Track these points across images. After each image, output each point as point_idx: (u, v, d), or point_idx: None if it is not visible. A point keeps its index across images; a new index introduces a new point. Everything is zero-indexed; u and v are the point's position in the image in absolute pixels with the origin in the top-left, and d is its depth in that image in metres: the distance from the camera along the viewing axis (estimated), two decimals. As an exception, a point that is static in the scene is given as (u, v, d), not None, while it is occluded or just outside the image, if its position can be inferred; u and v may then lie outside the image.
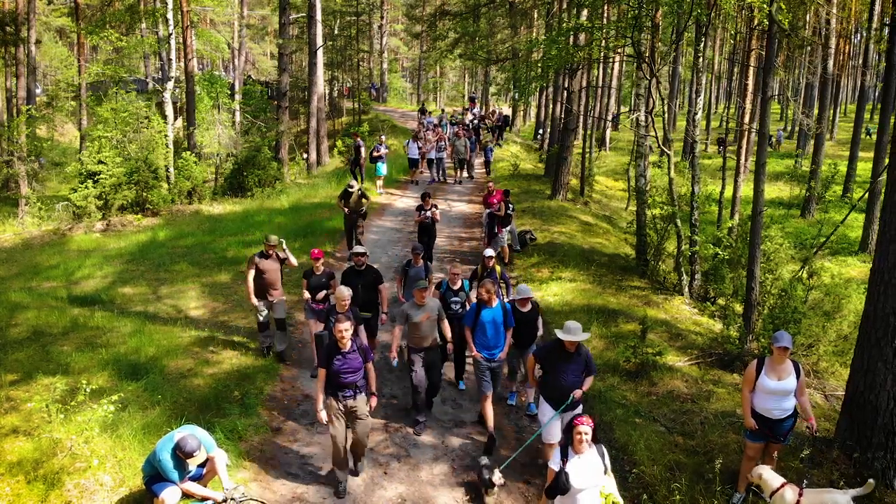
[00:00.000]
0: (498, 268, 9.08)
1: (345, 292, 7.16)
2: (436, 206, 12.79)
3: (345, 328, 6.04)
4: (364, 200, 13.22)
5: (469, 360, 8.41)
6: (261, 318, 8.88)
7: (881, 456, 6.41)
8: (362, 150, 20.47)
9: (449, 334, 7.68)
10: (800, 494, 5.53)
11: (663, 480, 6.38)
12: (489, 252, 8.95)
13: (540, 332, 7.79)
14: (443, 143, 21.81)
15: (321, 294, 8.48)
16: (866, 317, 6.66)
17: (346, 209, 13.19)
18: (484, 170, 23.35)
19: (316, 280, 8.49)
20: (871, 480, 5.56)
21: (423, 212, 12.74)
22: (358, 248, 8.51)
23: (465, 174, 22.23)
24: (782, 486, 5.61)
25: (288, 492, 6.36)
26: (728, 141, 26.34)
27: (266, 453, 6.94)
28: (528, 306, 7.62)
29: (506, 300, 8.29)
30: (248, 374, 8.36)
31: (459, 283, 8.29)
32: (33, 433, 6.56)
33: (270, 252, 8.81)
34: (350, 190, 13.16)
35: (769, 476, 5.72)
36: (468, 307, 7.99)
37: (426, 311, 7.34)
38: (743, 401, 6.07)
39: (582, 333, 6.20)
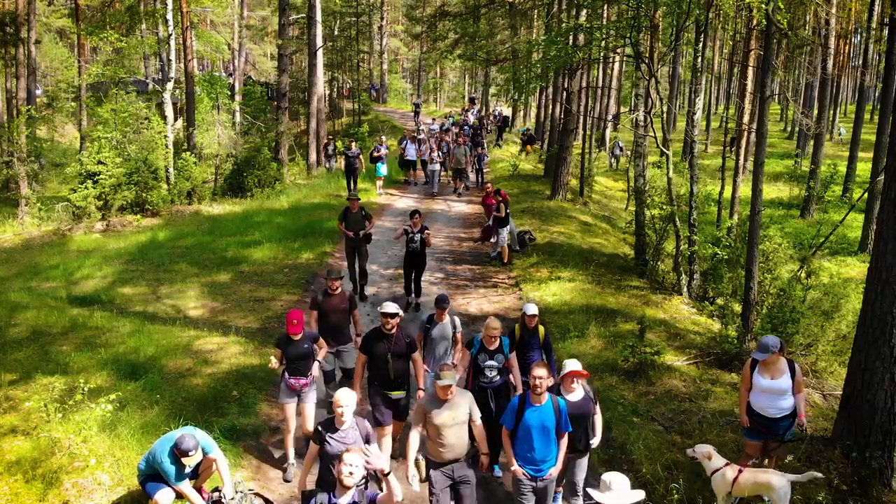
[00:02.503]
0: (542, 328, 7.04)
1: (344, 399, 5.03)
2: (427, 228, 10.64)
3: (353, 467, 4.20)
4: (367, 223, 11.09)
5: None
6: (326, 369, 7.36)
7: (879, 455, 6.43)
8: (361, 157, 19.42)
9: (483, 443, 5.49)
10: (739, 472, 5.65)
11: (661, 479, 6.39)
12: (531, 309, 6.91)
13: (595, 439, 5.84)
14: (436, 153, 20.42)
15: (324, 353, 6.75)
16: (864, 316, 6.68)
17: (349, 232, 10.92)
18: (475, 178, 21.78)
19: (295, 349, 6.46)
20: (815, 473, 5.67)
21: (409, 234, 10.38)
22: (390, 307, 6.32)
23: (464, 185, 20.75)
24: (723, 466, 5.77)
25: (286, 491, 6.37)
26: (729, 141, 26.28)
27: (264, 452, 6.95)
28: (578, 392, 5.63)
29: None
30: (246, 373, 8.37)
31: (498, 343, 6.39)
32: (32, 433, 6.57)
33: (335, 289, 7.43)
34: (351, 206, 11.04)
35: (715, 456, 5.86)
36: (506, 371, 6.48)
37: (453, 411, 5.26)
38: (740, 398, 6.17)
39: (632, 492, 4.32)
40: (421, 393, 6.37)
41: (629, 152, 32.01)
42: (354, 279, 11.19)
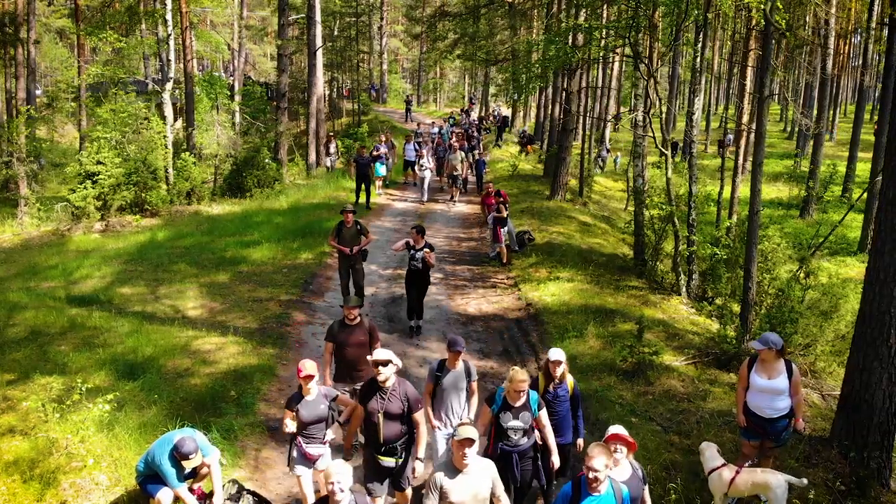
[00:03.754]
0: (570, 380, 5.92)
1: (338, 472, 4.13)
2: (430, 246, 9.68)
3: None
4: (363, 238, 10.29)
5: None
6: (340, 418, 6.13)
7: (877, 455, 6.43)
8: (373, 165, 18.18)
9: None
10: (736, 473, 5.67)
11: (659, 480, 6.39)
12: (556, 354, 5.77)
13: None
14: (424, 160, 19.11)
15: (328, 434, 5.64)
16: (862, 316, 6.68)
17: (344, 249, 10.13)
18: (475, 183, 20.95)
19: (309, 411, 5.53)
20: (804, 480, 5.62)
21: (412, 251, 9.58)
22: (381, 354, 5.22)
23: (459, 192, 19.65)
24: (721, 466, 5.78)
25: (283, 491, 6.37)
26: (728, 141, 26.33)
27: (262, 452, 6.95)
28: (624, 468, 4.76)
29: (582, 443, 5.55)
30: (244, 373, 8.36)
31: (524, 398, 5.33)
32: (30, 433, 6.57)
33: (353, 319, 6.58)
34: (345, 220, 10.11)
35: (711, 454, 5.87)
36: (538, 430, 5.48)
37: (473, 485, 4.49)
38: (737, 398, 6.21)
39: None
40: (419, 465, 5.39)
41: (617, 156, 32.08)
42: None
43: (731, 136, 32.78)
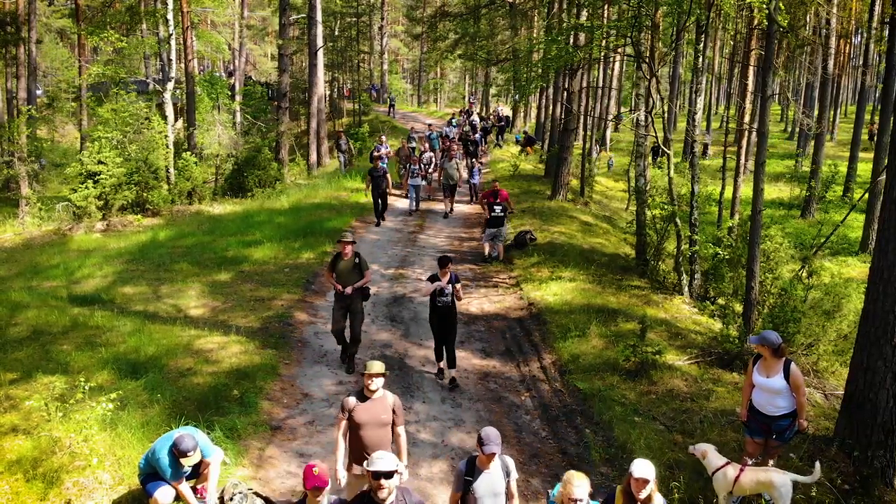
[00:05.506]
0: (659, 502, 4.53)
1: None
2: (458, 278, 8.47)
3: None
4: (364, 274, 8.68)
5: None
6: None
7: (880, 454, 6.42)
8: (388, 176, 16.16)
9: None
10: (741, 471, 5.68)
11: (662, 479, 6.36)
12: (643, 470, 4.37)
13: None
14: (416, 166, 17.50)
15: None
16: (865, 315, 6.67)
17: (340, 287, 8.53)
18: (469, 192, 19.37)
19: None
20: (817, 466, 5.61)
21: (439, 287, 8.29)
22: (381, 464, 4.08)
23: (452, 205, 17.84)
24: (725, 465, 5.79)
25: (287, 490, 6.36)
26: (718, 144, 26.13)
27: (265, 451, 6.94)
28: None
29: None
30: (247, 372, 8.36)
31: None
32: (33, 432, 6.56)
33: (374, 390, 5.28)
34: (342, 251, 8.60)
35: (713, 455, 5.89)
36: None
37: None
38: (742, 393, 6.28)
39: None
40: None
41: (611, 157, 31.92)
42: (344, 348, 8.98)
43: (710, 138, 32.67)
